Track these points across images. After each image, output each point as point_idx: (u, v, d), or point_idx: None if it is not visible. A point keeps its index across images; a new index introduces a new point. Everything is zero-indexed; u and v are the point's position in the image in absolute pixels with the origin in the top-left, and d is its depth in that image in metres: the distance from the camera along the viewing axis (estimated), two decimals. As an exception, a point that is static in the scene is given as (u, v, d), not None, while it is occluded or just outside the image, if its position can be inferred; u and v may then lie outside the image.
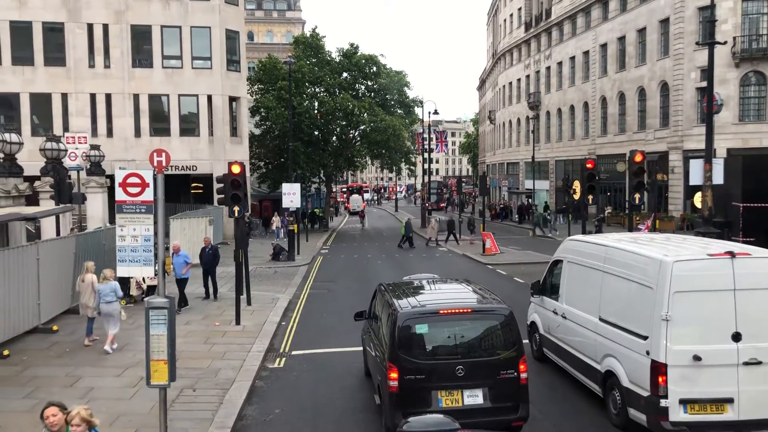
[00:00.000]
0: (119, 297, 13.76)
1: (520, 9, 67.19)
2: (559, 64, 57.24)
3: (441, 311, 8.93)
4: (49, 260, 15.20)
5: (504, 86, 73.15)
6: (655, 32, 42.16)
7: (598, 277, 10.31)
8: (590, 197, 20.66)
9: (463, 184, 63.39)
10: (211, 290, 19.62)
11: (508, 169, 73.15)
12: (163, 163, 9.67)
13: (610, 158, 46.84)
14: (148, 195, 8.28)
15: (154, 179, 8.15)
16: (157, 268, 8.47)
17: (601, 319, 10.02)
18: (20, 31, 36.39)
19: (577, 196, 26.60)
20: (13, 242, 17.10)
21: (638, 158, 18.31)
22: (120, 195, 8.33)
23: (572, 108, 54.89)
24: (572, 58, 54.72)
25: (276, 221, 42.15)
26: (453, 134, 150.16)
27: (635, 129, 44.75)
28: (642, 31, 43.91)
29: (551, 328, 12.14)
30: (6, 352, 12.80)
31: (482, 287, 10.56)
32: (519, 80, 68.07)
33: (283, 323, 17.04)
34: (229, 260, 25.02)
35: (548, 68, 59.89)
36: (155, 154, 9.83)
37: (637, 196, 18.50)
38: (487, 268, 27.88)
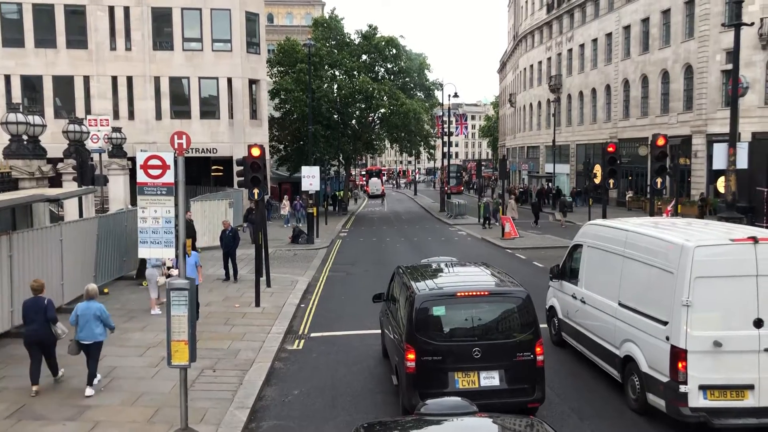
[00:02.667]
0: (161, 263, 14.29)
1: (542, -10, 66.36)
2: (581, 46, 56.48)
3: (458, 293, 8.95)
4: (73, 241, 15.41)
5: (525, 69, 72.40)
6: (680, 13, 41.40)
7: (619, 261, 10.24)
8: (611, 181, 20.45)
9: (483, 168, 63.08)
10: (231, 272, 19.83)
11: (528, 152, 72.62)
12: (184, 146, 9.73)
13: (632, 142, 46.29)
14: (169, 177, 8.34)
15: (175, 161, 8.20)
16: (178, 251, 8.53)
17: (620, 304, 9.97)
18: (43, 14, 36.68)
19: (597, 180, 26.38)
20: (37, 223, 17.36)
21: (661, 142, 18.08)
22: (141, 177, 8.40)
23: (594, 91, 54.23)
24: (594, 41, 53.96)
25: (286, 206, 39.58)
26: (473, 117, 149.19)
27: (658, 112, 44.13)
28: (666, 13, 43.13)
29: (570, 312, 12.09)
30: (31, 331, 13.03)
31: (500, 271, 10.56)
32: (540, 63, 67.30)
33: (302, 305, 17.17)
34: (246, 243, 25.34)
35: (570, 50, 59.13)
36: (176, 136, 9.90)
37: (659, 180, 18.28)
38: (506, 252, 27.79)
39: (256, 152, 16.39)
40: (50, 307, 10.04)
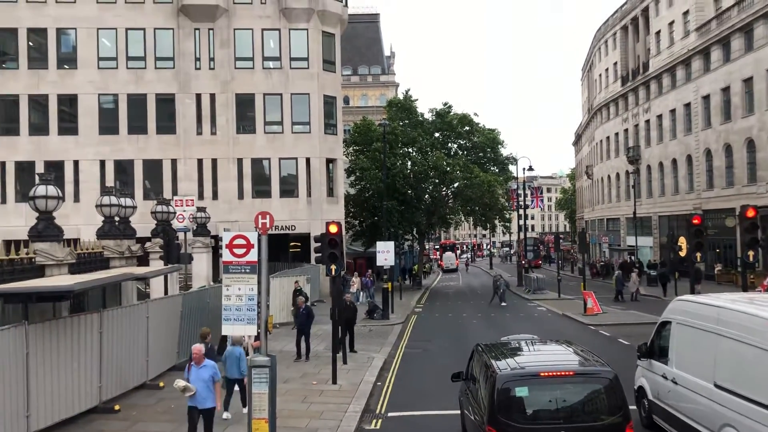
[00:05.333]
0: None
1: (615, 63, 66.24)
2: (659, 117, 55.57)
3: (542, 373, 8.65)
4: (158, 318, 15.93)
5: (601, 141, 71.64)
6: (763, 81, 40.33)
7: (712, 340, 9.69)
8: (698, 254, 19.63)
9: (561, 241, 61.87)
10: (303, 350, 19.65)
11: (608, 225, 70.86)
12: (267, 225, 10.06)
13: (717, 213, 44.49)
14: (253, 256, 8.61)
15: (259, 240, 8.47)
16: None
17: (716, 386, 9.36)
18: (136, 103, 39.32)
19: (683, 253, 25.37)
20: (125, 301, 18.08)
21: (750, 213, 17.31)
22: (227, 256, 8.71)
23: (674, 161, 52.87)
24: (672, 111, 53.04)
25: (356, 282, 38.08)
26: (548, 190, 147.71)
27: (745, 182, 42.45)
28: (748, 81, 42.10)
29: (661, 393, 11.44)
30: (117, 407, 13.38)
31: (584, 349, 10.16)
32: (617, 134, 66.50)
33: (379, 383, 16.95)
34: (325, 318, 25.47)
35: (647, 121, 58.25)
36: (260, 216, 10.26)
37: (750, 253, 17.40)
38: (588, 328, 26.80)
39: (333, 229, 16.71)
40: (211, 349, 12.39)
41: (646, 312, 29.65)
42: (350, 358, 19.10)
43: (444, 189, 51.76)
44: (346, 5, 42.64)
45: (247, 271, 8.63)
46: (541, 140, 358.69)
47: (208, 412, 10.39)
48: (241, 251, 8.64)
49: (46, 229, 14.77)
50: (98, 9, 38.76)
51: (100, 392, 13.18)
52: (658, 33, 56.01)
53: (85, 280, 12.42)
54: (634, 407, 11.78)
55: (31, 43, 38.87)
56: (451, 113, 51.37)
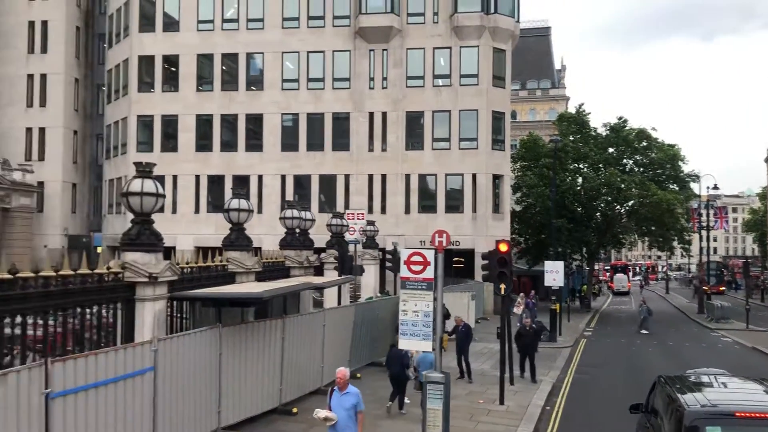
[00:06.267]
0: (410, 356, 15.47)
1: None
2: None
3: (737, 413, 7.93)
4: (333, 326, 16.69)
5: (799, 157, 64.57)
6: None
7: None
8: None
9: (749, 266, 56.47)
10: (464, 369, 19.45)
11: (806, 250, 63.59)
12: (444, 243, 10.21)
13: None
14: (429, 273, 8.80)
15: (435, 258, 8.64)
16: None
17: None
18: (314, 122, 41.70)
19: None
20: (303, 308, 19.13)
21: None
22: (404, 272, 8.96)
23: None
24: None
25: (521, 305, 33.58)
26: (734, 210, 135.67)
27: None
28: None
29: None
30: (295, 410, 14.17)
31: (785, 390, 9.19)
32: (819, 150, 59.59)
33: (548, 408, 16.47)
34: (490, 336, 25.23)
35: None
36: (436, 234, 10.43)
37: None
38: (784, 365, 24.18)
39: (503, 248, 16.57)
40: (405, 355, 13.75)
41: None
42: (517, 380, 18.75)
43: (617, 207, 49.31)
44: (518, 21, 42.30)
45: (424, 287, 8.83)
46: (725, 156, 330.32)
47: None
48: (418, 268, 8.86)
49: (237, 239, 16.07)
50: (283, 34, 41.69)
51: (280, 394, 14.05)
52: None
53: (273, 288, 13.34)
54: None
55: (224, 68, 42.66)
56: (627, 127, 48.91)
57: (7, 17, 46.47)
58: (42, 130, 46.64)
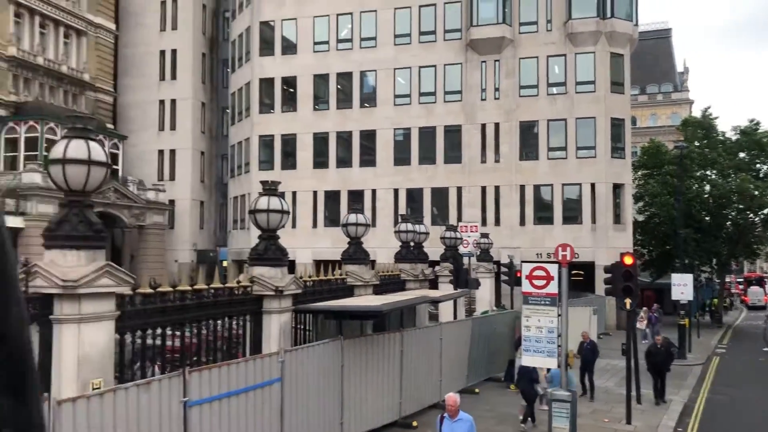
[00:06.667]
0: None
1: None
2: None
3: None
4: (450, 341, 16.65)
5: None
6: None
7: None
8: None
9: None
10: (587, 387, 18.77)
11: None
12: (567, 257, 9.95)
13: None
14: (552, 288, 8.59)
15: (559, 272, 8.42)
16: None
17: None
18: (426, 135, 41.95)
19: None
20: (419, 322, 19.22)
21: None
22: (526, 287, 8.81)
23: None
24: None
25: (644, 320, 33.09)
26: None
27: None
28: None
29: None
30: (414, 423, 14.23)
31: None
32: None
33: (679, 429, 15.56)
34: (613, 353, 24.17)
35: None
36: (560, 248, 10.18)
37: None
38: None
39: (628, 261, 15.89)
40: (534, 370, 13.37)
41: None
42: (643, 398, 17.84)
43: (750, 215, 45.96)
44: (636, 24, 40.68)
45: (547, 303, 8.63)
46: None
47: None
48: (541, 282, 8.67)
49: (355, 252, 16.43)
50: (395, 51, 42.34)
51: (400, 407, 14.15)
52: None
53: (391, 301, 13.52)
54: None
55: (339, 86, 43.88)
56: (760, 130, 45.59)
57: (140, 48, 50.16)
58: (173, 152, 49.82)
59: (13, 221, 34.00)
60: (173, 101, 49.96)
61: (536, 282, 8.71)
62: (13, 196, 34.13)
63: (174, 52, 49.91)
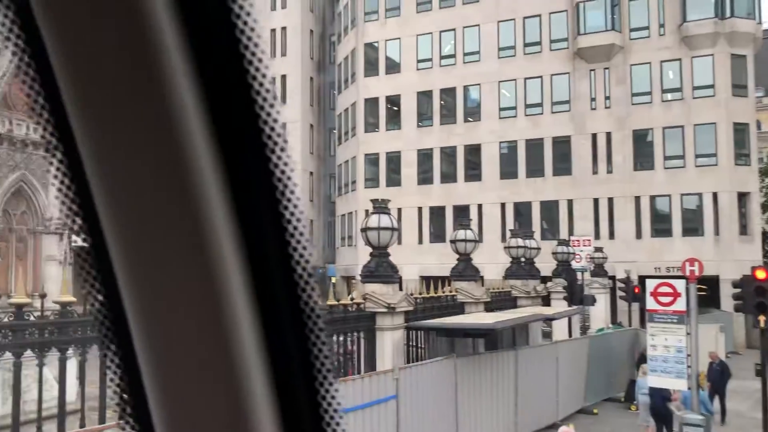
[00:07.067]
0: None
1: None
2: None
3: None
4: (566, 359, 16.10)
5: None
6: None
7: None
8: None
9: None
10: (719, 410, 17.54)
11: None
12: (696, 272, 9.38)
13: None
14: (679, 305, 8.11)
15: (687, 289, 7.94)
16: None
17: None
18: (533, 148, 41.14)
19: None
20: (532, 340, 18.70)
21: None
22: (651, 304, 8.36)
23: None
24: None
25: None
26: None
27: None
28: None
29: None
30: (531, 444, 13.84)
31: None
32: None
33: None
34: (744, 373, 22.48)
35: None
36: (687, 263, 9.63)
37: None
38: None
39: (761, 275, 14.73)
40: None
41: None
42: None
43: None
44: (759, 22, 38.17)
45: (674, 321, 8.14)
46: None
47: None
48: (667, 300, 8.19)
49: (465, 269, 16.26)
50: (499, 63, 41.94)
51: (515, 428, 13.80)
52: None
53: (504, 319, 13.25)
54: None
55: (442, 102, 43.99)
56: None
57: (253, 75, 52.55)
58: (284, 173, 51.64)
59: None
60: (283, 124, 51.46)
61: (662, 299, 8.24)
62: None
63: (284, 77, 51.84)
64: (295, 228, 0.80)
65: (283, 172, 0.81)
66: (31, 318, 7.84)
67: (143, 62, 0.65)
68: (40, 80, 0.71)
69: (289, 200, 0.81)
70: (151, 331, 0.72)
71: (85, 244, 0.77)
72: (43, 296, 8.21)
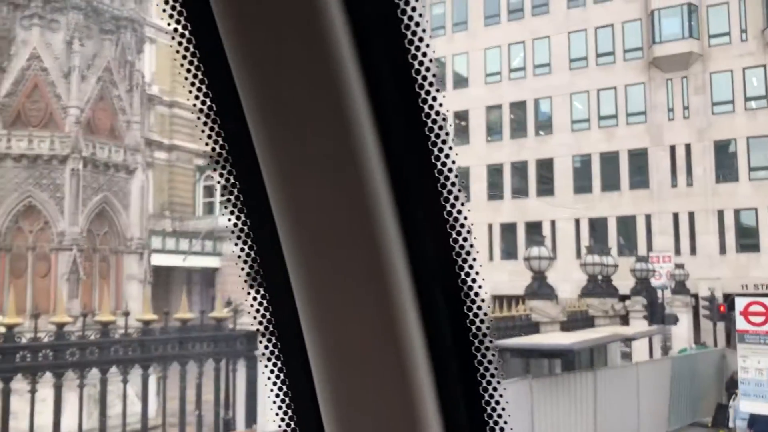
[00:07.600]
0: None
1: None
2: None
3: None
4: (647, 381, 15.40)
5: None
6: None
7: None
8: None
9: None
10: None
11: None
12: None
13: None
14: (774, 326, 7.63)
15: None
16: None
17: None
18: (608, 161, 40.04)
19: None
20: (610, 360, 18.02)
21: None
22: (741, 324, 7.92)
23: None
24: None
25: None
26: None
27: None
28: None
29: None
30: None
31: None
32: None
33: None
34: None
35: None
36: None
37: None
38: None
39: None
40: None
41: None
42: None
43: None
44: None
45: (767, 342, 7.66)
46: None
47: None
48: (759, 319, 7.72)
49: (540, 288, 15.90)
50: (571, 75, 41.18)
51: (594, 451, 13.30)
52: None
53: (582, 339, 12.85)
54: None
55: (512, 116, 43.46)
56: None
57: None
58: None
59: (211, 262, 37.44)
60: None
61: (753, 318, 7.78)
62: (211, 238, 37.43)
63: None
64: (459, 233, 0.86)
65: (450, 170, 0.87)
66: (116, 336, 8.12)
67: (320, 65, 0.70)
68: (219, 89, 0.75)
69: (453, 206, 0.88)
70: (327, 343, 0.75)
71: (258, 257, 0.82)
72: (126, 314, 8.48)
